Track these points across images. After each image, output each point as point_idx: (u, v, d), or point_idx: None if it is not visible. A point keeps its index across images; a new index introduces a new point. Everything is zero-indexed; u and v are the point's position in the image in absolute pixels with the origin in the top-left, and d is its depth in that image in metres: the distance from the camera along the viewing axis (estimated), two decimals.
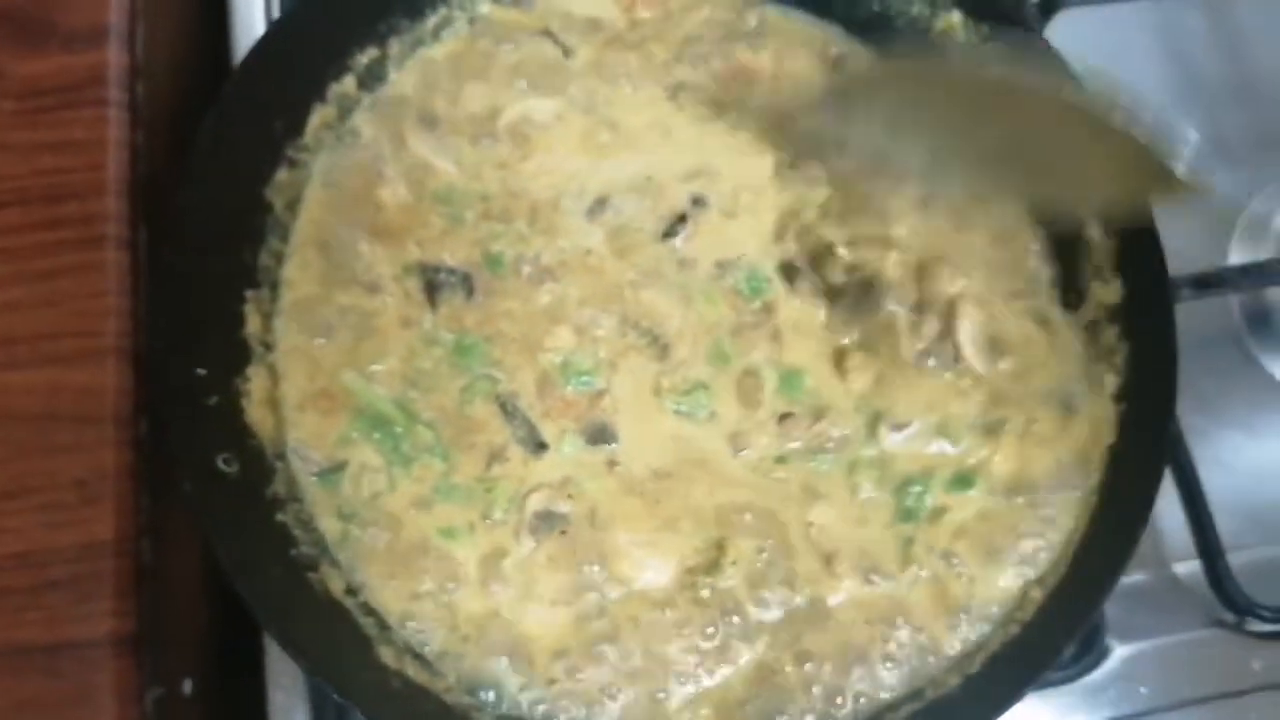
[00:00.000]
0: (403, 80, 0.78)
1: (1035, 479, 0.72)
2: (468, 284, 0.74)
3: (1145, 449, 0.68)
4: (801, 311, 0.76)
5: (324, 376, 0.71)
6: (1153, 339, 0.68)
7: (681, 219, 0.77)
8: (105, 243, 0.72)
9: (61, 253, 0.72)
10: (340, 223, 0.74)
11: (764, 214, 0.78)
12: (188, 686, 0.71)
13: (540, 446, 0.71)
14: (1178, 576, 0.78)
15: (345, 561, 0.68)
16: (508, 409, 0.72)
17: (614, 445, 0.72)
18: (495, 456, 0.71)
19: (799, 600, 0.70)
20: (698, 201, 0.78)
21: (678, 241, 0.77)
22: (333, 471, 0.70)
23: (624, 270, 0.76)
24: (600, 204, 0.76)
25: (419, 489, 0.70)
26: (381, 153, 0.76)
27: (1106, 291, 0.73)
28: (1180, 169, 0.60)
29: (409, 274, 0.74)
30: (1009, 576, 0.70)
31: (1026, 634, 0.66)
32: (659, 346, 0.74)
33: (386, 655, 0.65)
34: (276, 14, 0.80)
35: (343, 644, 0.64)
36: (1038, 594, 0.68)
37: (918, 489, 0.72)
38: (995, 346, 0.75)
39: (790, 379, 0.74)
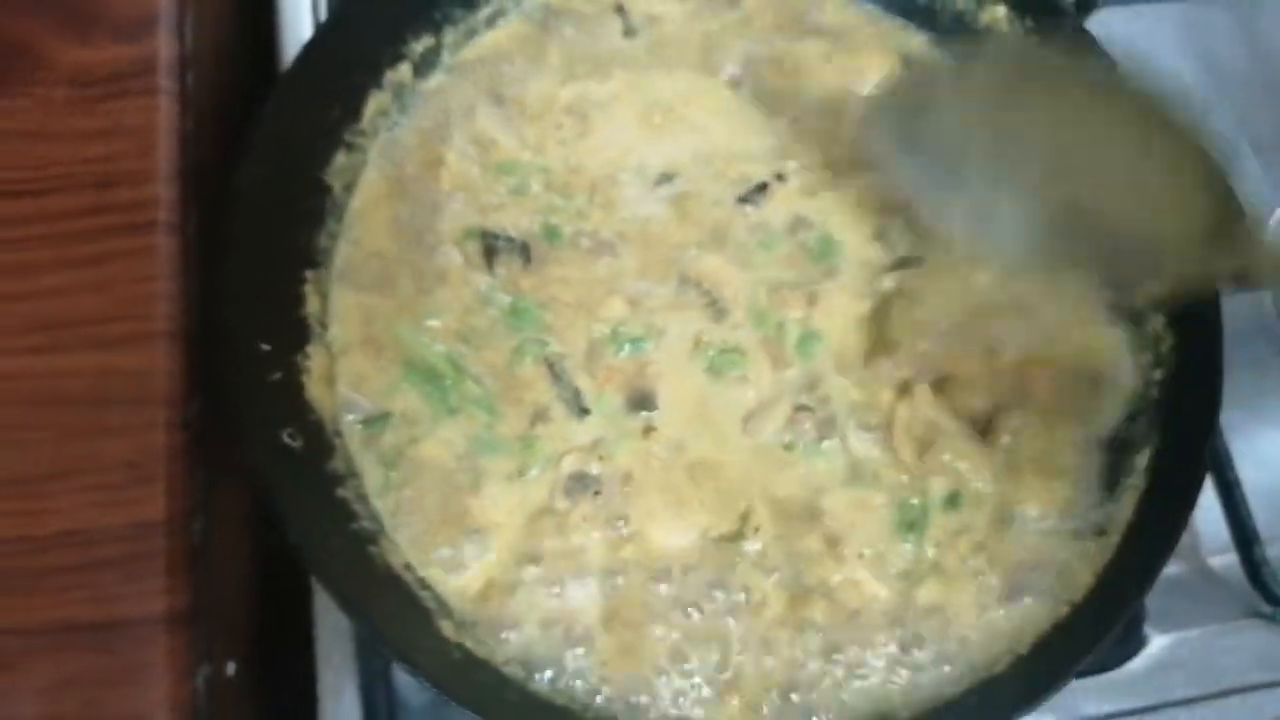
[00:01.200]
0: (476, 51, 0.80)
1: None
2: (525, 252, 0.76)
3: (1191, 442, 0.68)
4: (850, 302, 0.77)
5: (377, 326, 0.73)
6: (1199, 329, 0.69)
7: (761, 187, 0.78)
8: (155, 228, 0.73)
9: (111, 238, 0.72)
10: (401, 192, 0.75)
11: (849, 193, 0.79)
12: (231, 668, 0.71)
13: (584, 411, 0.72)
14: (1214, 568, 0.78)
15: (386, 512, 0.69)
16: (556, 371, 0.73)
17: (653, 412, 0.73)
18: (539, 416, 0.72)
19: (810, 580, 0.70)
20: (780, 176, 0.79)
21: (753, 207, 0.78)
22: (378, 419, 0.71)
23: (689, 232, 0.77)
24: (666, 178, 0.78)
25: (460, 437, 0.71)
26: (449, 123, 0.78)
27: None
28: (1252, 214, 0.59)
29: (469, 238, 0.76)
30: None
31: (1075, 616, 0.66)
32: (716, 310, 0.75)
33: (446, 629, 0.66)
34: (322, 6, 0.81)
35: (403, 615, 0.64)
36: (1087, 578, 0.68)
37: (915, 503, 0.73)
38: None
39: (808, 340, 0.75)
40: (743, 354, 0.75)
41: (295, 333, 0.69)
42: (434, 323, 0.74)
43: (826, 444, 0.73)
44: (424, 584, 0.67)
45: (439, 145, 0.78)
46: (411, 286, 0.74)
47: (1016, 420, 0.74)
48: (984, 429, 0.74)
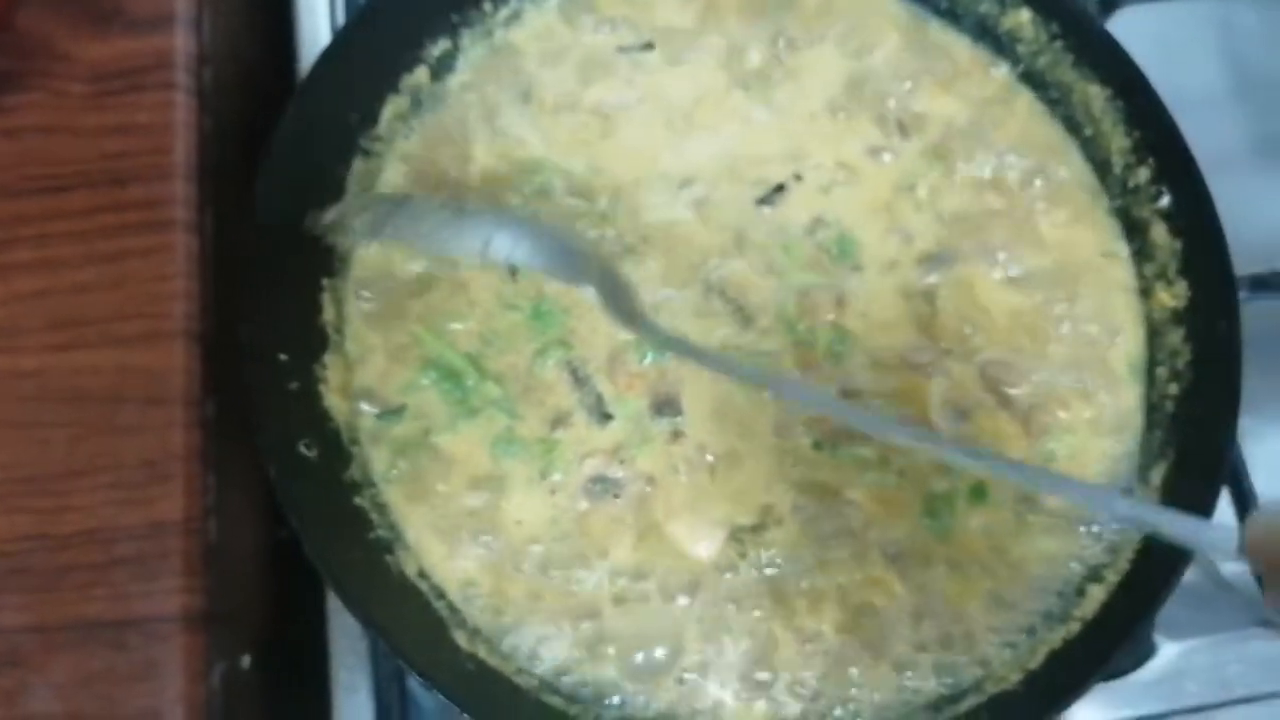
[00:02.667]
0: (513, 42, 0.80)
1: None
2: None
3: (1208, 454, 0.68)
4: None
5: (398, 327, 0.73)
6: (1218, 345, 0.68)
7: (779, 188, 0.78)
8: (172, 226, 0.73)
9: (128, 236, 0.73)
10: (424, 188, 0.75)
11: (864, 188, 0.79)
12: (246, 661, 0.72)
13: (606, 417, 0.73)
14: (1225, 576, 0.78)
15: (393, 501, 0.69)
16: (578, 376, 0.73)
17: (678, 418, 0.73)
18: (560, 420, 0.72)
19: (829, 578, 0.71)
20: (798, 177, 0.78)
21: (772, 209, 0.78)
22: (394, 413, 0.71)
23: (712, 237, 0.77)
24: (687, 182, 0.78)
25: (480, 438, 0.72)
26: (469, 123, 0.78)
27: (1171, 294, 0.73)
28: None
29: None
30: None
31: (1088, 631, 0.66)
32: (742, 317, 0.75)
33: (460, 638, 0.66)
34: (339, 3, 0.81)
35: (419, 626, 0.65)
36: (1099, 592, 0.68)
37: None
38: None
39: (839, 341, 0.75)
40: (771, 360, 0.74)
41: (313, 340, 0.70)
42: (456, 325, 0.74)
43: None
44: (439, 592, 0.67)
45: (460, 145, 0.77)
46: (433, 290, 0.75)
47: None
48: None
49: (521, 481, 0.71)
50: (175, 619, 0.66)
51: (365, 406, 0.71)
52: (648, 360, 0.74)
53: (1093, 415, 0.74)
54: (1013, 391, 0.74)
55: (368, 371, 0.72)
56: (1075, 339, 0.76)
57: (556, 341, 0.74)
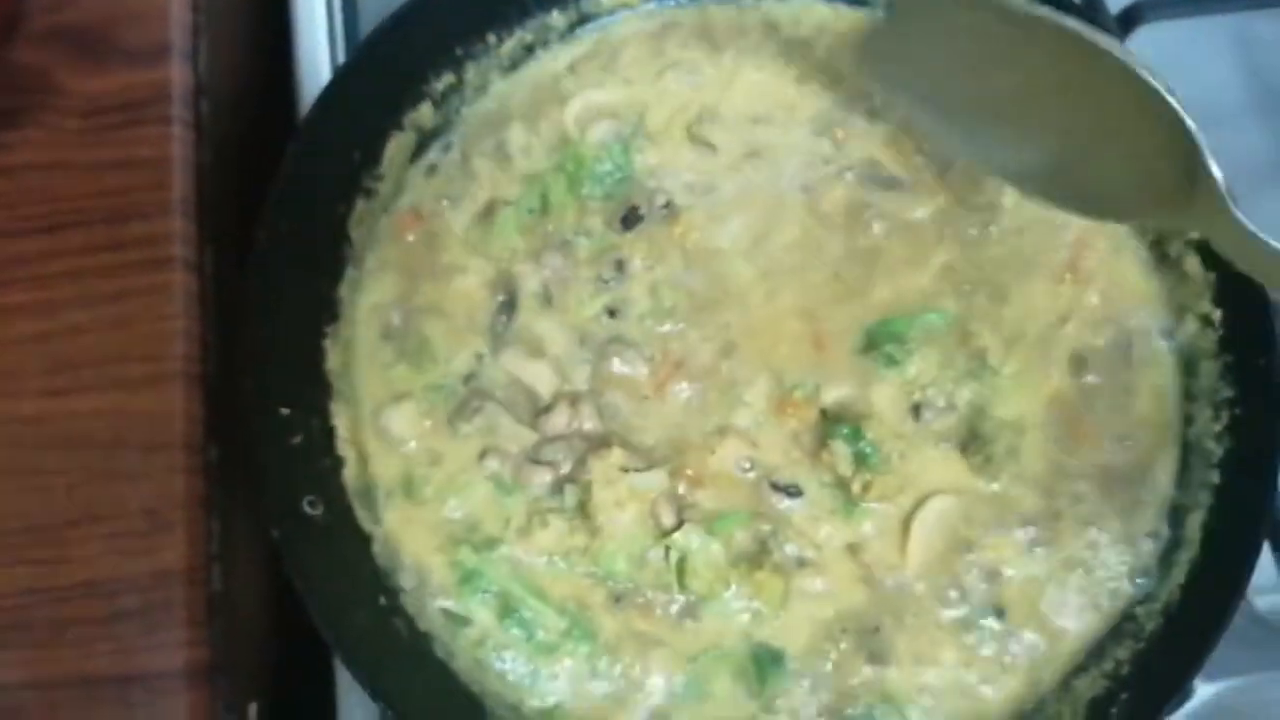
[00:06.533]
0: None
1: None
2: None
3: (1247, 511, 0.65)
4: None
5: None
6: (1258, 376, 0.66)
7: None
8: (172, 264, 0.71)
9: (127, 275, 0.71)
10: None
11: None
12: (253, 711, 0.71)
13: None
14: (1261, 612, 0.75)
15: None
16: None
17: None
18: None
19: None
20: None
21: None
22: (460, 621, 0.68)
23: None
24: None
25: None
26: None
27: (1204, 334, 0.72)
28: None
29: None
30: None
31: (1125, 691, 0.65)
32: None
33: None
34: (340, 31, 0.79)
35: (427, 687, 0.63)
36: (1127, 651, 0.67)
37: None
38: None
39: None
40: None
41: (316, 391, 0.68)
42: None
43: None
44: (451, 654, 0.65)
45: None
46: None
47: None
48: None
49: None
50: (180, 674, 0.64)
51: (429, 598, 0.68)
52: None
53: None
54: None
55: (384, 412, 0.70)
56: None
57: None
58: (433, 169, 0.75)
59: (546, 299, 0.73)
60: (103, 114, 0.74)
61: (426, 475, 0.69)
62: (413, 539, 0.68)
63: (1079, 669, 0.66)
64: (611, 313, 0.72)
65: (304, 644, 0.72)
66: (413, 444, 0.70)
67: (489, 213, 0.74)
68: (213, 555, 0.67)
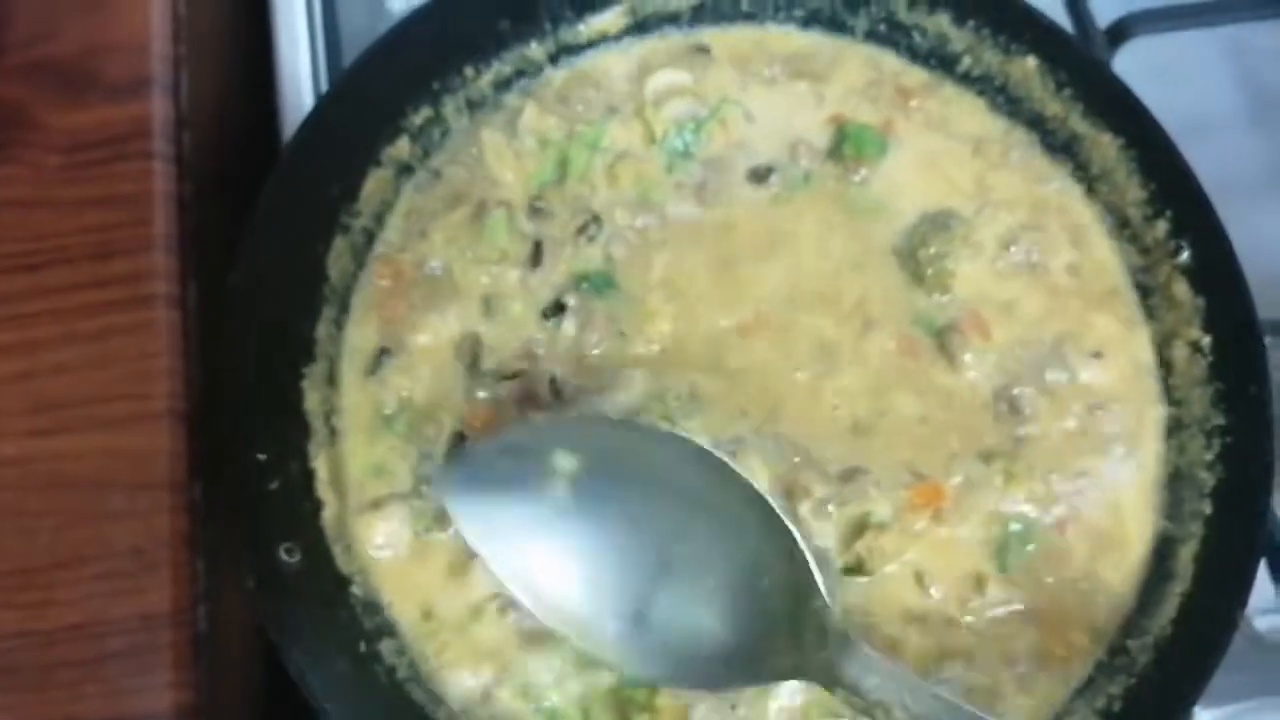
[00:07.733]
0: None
1: None
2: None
3: (1239, 544, 0.64)
4: None
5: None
6: (1249, 404, 0.65)
7: None
8: (155, 301, 0.71)
9: (110, 313, 0.71)
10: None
11: None
12: None
13: None
14: (1261, 633, 0.74)
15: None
16: None
17: None
18: None
19: None
20: None
21: None
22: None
23: None
24: None
25: None
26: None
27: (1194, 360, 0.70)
28: None
29: None
30: None
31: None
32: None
33: None
34: (322, 62, 0.78)
35: None
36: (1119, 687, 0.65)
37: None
38: None
39: None
40: None
41: (293, 435, 0.67)
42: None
43: None
44: (435, 699, 0.64)
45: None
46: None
47: None
48: None
49: None
50: (167, 716, 0.64)
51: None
52: None
53: None
54: None
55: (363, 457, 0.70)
56: None
57: None
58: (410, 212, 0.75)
59: None
60: (84, 149, 0.74)
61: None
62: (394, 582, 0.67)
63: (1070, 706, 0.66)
64: None
65: (290, 680, 0.72)
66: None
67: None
68: (199, 595, 0.66)
